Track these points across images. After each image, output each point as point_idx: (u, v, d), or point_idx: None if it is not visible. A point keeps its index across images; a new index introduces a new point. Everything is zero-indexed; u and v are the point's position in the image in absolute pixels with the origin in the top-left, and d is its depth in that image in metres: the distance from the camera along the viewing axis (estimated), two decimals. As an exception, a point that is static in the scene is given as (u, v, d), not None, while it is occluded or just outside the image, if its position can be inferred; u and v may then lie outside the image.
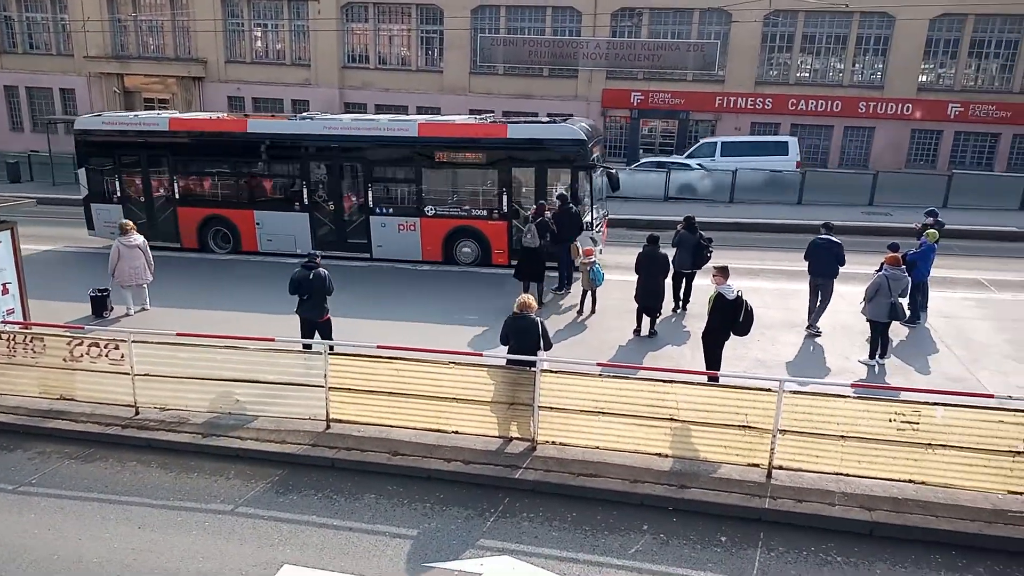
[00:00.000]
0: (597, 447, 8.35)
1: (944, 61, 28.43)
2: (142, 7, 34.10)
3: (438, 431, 8.68)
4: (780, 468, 7.93)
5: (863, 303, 11.23)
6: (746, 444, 7.98)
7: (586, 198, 15.67)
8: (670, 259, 12.55)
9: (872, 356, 11.21)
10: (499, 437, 8.61)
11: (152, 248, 13.62)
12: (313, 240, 17.08)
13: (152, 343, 9.34)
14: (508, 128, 16.07)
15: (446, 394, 8.53)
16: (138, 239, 13.37)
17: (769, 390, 7.87)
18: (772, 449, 7.87)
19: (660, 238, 12.49)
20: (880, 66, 28.77)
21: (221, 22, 32.89)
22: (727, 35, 29.23)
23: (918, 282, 12.47)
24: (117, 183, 18.02)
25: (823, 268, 12.33)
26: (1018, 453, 7.37)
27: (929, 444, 7.53)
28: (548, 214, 14.03)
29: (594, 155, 16.00)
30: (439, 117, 19.12)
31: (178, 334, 9.50)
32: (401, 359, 8.68)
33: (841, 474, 7.81)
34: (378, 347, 8.93)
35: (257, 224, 17.40)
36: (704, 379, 9.15)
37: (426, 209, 16.54)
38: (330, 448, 8.60)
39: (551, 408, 8.36)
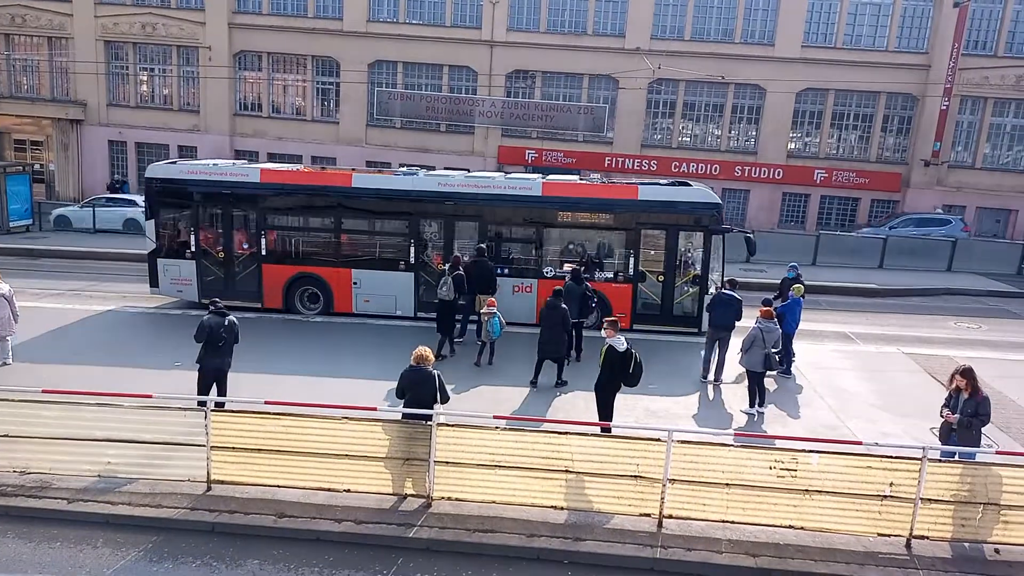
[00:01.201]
0: (493, 502, 8.26)
1: (810, 131, 30.91)
2: (16, 46, 32.33)
3: (329, 490, 8.36)
4: (670, 517, 8.10)
5: (740, 354, 11.81)
6: (638, 494, 8.12)
7: (715, 262, 15.66)
8: (568, 312, 12.77)
9: (751, 405, 11.74)
10: (393, 495, 8.38)
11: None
12: (416, 300, 16.27)
13: (13, 400, 8.58)
14: (639, 190, 15.98)
15: (339, 451, 8.26)
16: (3, 288, 12.37)
17: (659, 440, 8.08)
18: (662, 498, 8.04)
19: (563, 292, 12.85)
20: (753, 133, 30.94)
21: (104, 64, 31.58)
22: (615, 100, 30.72)
23: (787, 334, 13.28)
24: (192, 237, 16.57)
25: (725, 321, 13.01)
26: (885, 497, 7.85)
27: (806, 490, 7.91)
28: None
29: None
30: (561, 176, 18.37)
31: (43, 391, 8.78)
32: (290, 415, 8.35)
33: (727, 521, 8.05)
34: (266, 402, 8.57)
35: (354, 283, 16.28)
36: (598, 430, 9.30)
37: (545, 271, 16.04)
38: (210, 511, 8.09)
39: (447, 463, 8.24)
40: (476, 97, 31.10)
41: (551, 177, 17.38)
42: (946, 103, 28.46)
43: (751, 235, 16.40)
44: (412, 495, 8.38)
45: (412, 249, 16.16)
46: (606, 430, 9.54)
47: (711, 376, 13.14)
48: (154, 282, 16.90)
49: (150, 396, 8.80)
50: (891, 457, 7.95)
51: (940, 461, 8.03)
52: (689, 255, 16.11)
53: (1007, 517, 7.77)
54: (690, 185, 16.79)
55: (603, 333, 10.32)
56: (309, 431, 8.26)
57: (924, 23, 29.08)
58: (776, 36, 29.51)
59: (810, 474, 7.90)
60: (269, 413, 8.38)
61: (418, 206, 16.10)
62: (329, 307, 16.52)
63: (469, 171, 19.05)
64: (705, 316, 14.23)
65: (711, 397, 12.48)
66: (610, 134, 31.05)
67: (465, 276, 14.18)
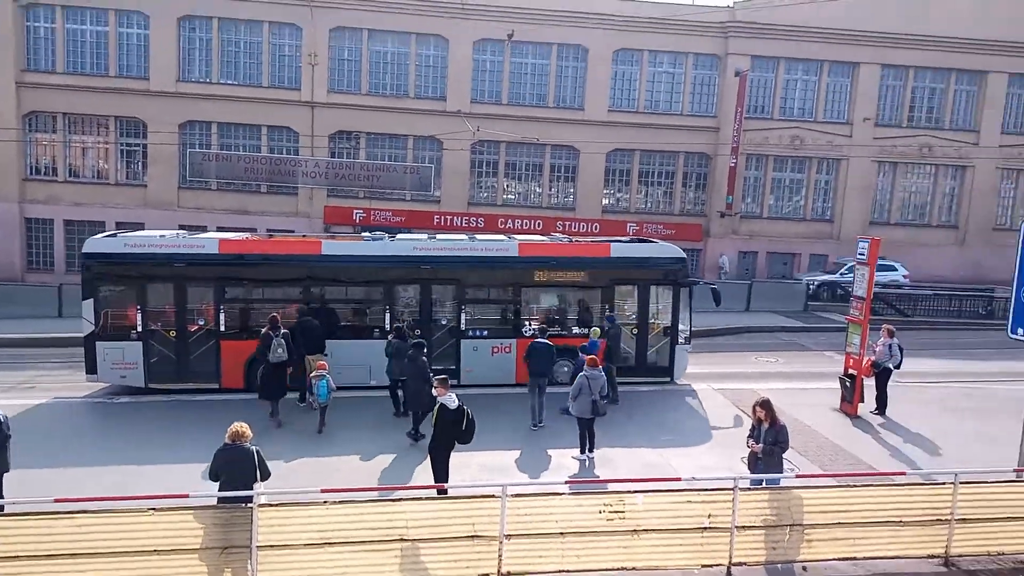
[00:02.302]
0: (324, 582, 7.76)
1: (621, 187, 33.15)
2: None
3: (134, 593, 7.46)
4: (509, 574, 8.01)
5: (570, 402, 12.13)
6: (475, 554, 7.97)
7: (684, 313, 16.44)
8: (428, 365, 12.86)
9: (582, 451, 12.05)
10: (212, 588, 7.63)
11: (184, 390, 12.03)
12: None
13: None
14: (611, 247, 16.62)
15: (144, 547, 7.41)
16: None
17: (493, 496, 8.02)
18: (500, 555, 7.95)
19: (424, 345, 13.25)
20: (572, 191, 32.67)
21: None
22: (440, 160, 31.32)
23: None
24: (138, 316, 14.91)
25: (542, 368, 13.49)
26: (705, 529, 8.26)
27: (634, 530, 8.15)
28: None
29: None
30: (531, 237, 18.47)
31: None
32: (85, 512, 7.42)
33: (564, 571, 8.09)
34: (56, 500, 7.57)
35: (326, 355, 14.64)
36: (433, 493, 9.09)
37: (524, 330, 15.95)
38: (-12, 635, 6.95)
39: (272, 547, 7.65)
40: (298, 158, 30.47)
41: (524, 238, 17.92)
42: (734, 161, 31.66)
43: (716, 287, 17.23)
44: (233, 586, 7.68)
45: (387, 316, 15.64)
46: (442, 491, 9.36)
47: (539, 421, 13.62)
48: (91, 368, 15.12)
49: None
50: (708, 489, 8.41)
51: (750, 489, 8.61)
52: (659, 308, 16.67)
53: (810, 535, 8.42)
54: (653, 242, 17.80)
55: (434, 392, 10.20)
56: (108, 529, 7.37)
57: (712, 90, 32.40)
58: (585, 102, 31.62)
59: (637, 514, 8.16)
60: (60, 513, 7.40)
61: (393, 272, 15.71)
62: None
63: (328, 232, 18.42)
64: (679, 365, 16.31)
65: (532, 448, 12.63)
66: (437, 192, 31.50)
67: (291, 336, 13.74)
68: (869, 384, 14.86)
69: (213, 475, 8.06)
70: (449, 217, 31.07)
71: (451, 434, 9.99)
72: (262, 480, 8.11)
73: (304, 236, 20.07)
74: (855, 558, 8.45)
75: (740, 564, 8.33)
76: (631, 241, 18.07)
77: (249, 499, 7.62)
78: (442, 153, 31.16)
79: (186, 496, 7.82)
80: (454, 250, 16.14)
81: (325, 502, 8.05)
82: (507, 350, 16.00)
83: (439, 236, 18.03)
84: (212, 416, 13.19)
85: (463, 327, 15.92)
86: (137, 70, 29.44)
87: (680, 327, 16.46)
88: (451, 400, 9.97)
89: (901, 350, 14.68)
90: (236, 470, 7.92)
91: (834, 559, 8.44)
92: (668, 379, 16.61)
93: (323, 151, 30.57)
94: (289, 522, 7.69)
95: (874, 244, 14.61)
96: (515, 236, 18.37)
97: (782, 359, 19.99)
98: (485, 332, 16.08)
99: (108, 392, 15.41)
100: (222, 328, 15.28)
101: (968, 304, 27.22)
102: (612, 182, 32.92)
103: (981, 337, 23.44)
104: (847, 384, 14.90)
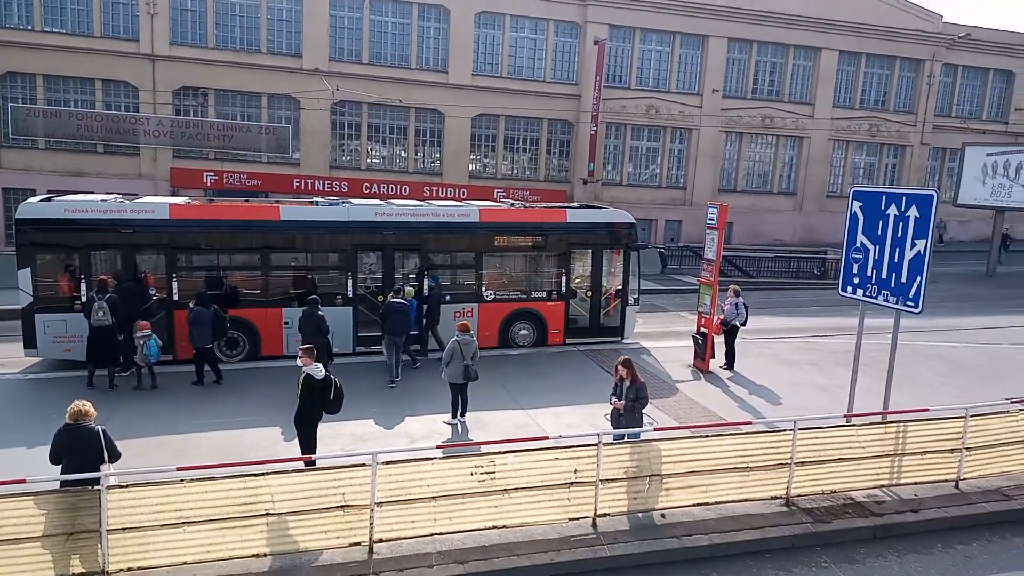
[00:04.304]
0: (184, 563, 7.42)
1: (487, 153, 33.24)
2: None
3: (-35, 590, 6.82)
4: (380, 541, 8.00)
5: (442, 367, 12.16)
6: (346, 524, 7.88)
7: (633, 276, 17.24)
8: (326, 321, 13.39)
9: (454, 416, 12.16)
10: (57, 578, 7.10)
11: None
12: (354, 335, 15.59)
13: None
14: (567, 213, 17.11)
15: (-25, 541, 6.77)
16: None
17: (364, 465, 7.94)
18: (371, 524, 7.91)
19: (319, 300, 13.73)
20: (438, 156, 32.38)
21: None
22: (298, 120, 30.02)
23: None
24: (83, 286, 13.97)
25: (397, 327, 13.96)
26: (572, 484, 8.60)
27: (504, 490, 8.35)
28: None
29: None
30: (487, 203, 18.61)
31: None
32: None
33: (436, 534, 8.18)
34: None
35: (285, 323, 15.01)
36: (300, 465, 8.87)
37: (485, 294, 16.30)
38: None
39: (123, 529, 7.21)
40: (139, 115, 28.22)
41: (482, 203, 18.18)
42: (594, 129, 32.56)
43: (663, 250, 17.96)
44: (80, 573, 7.18)
45: (350, 283, 15.47)
46: (309, 463, 9.15)
47: (396, 377, 14.15)
48: (30, 343, 14.23)
49: None
50: (574, 446, 8.74)
51: (612, 444, 9.03)
52: (611, 271, 17.37)
53: (667, 484, 8.97)
54: (601, 207, 18.52)
55: (298, 362, 9.90)
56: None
57: (572, 58, 33.01)
58: (449, 64, 31.28)
59: (507, 474, 8.34)
60: None
61: (355, 238, 15.57)
62: (255, 351, 15.24)
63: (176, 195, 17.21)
64: (628, 325, 17.38)
65: (403, 417, 12.64)
66: (296, 155, 30.26)
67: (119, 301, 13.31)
68: (719, 341, 15.92)
69: (54, 458, 7.44)
70: (310, 181, 29.97)
71: (318, 404, 9.77)
72: (111, 462, 7.58)
73: (257, 201, 19.55)
74: (707, 503, 9.10)
75: (605, 515, 8.75)
76: (580, 207, 18.81)
77: (96, 481, 7.11)
78: (300, 113, 29.89)
79: (23, 481, 7.17)
80: (418, 215, 16.18)
81: (182, 480, 7.64)
82: (469, 314, 16.22)
83: (396, 202, 18.15)
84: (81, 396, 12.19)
85: (425, 293, 15.87)
86: (-59, 10, 26.06)
87: (630, 288, 17.38)
88: (317, 370, 9.73)
89: (746, 308, 15.80)
90: (80, 452, 7.34)
91: (689, 505, 9.05)
92: (619, 338, 17.53)
93: (167, 109, 28.45)
94: (143, 503, 7.27)
95: (722, 210, 15.57)
96: (472, 202, 19.02)
97: (642, 319, 20.99)
98: (447, 297, 16.17)
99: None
100: (174, 297, 14.65)
101: (804, 266, 29.70)
102: (478, 147, 32.94)
103: (816, 295, 25.68)
104: (699, 342, 15.89)
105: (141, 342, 13.06)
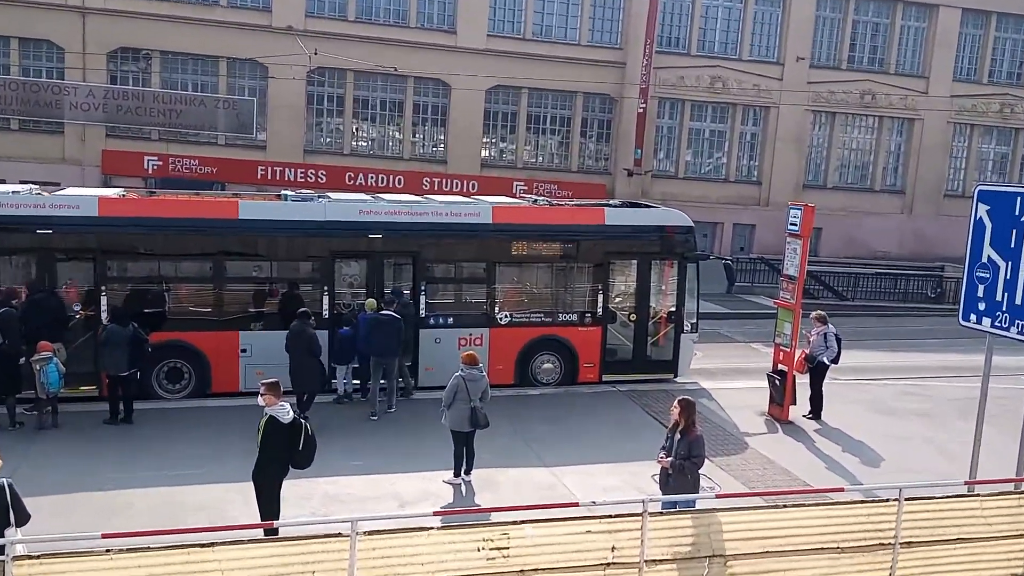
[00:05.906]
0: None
1: (505, 135, 33.41)
2: None
3: None
4: (360, 635, 7.98)
5: (443, 411, 12.15)
6: (314, 613, 7.87)
7: (690, 296, 17.08)
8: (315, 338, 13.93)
9: (456, 473, 12.14)
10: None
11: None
12: (331, 366, 15.33)
13: None
14: (606, 213, 16.78)
15: None
16: None
17: (339, 535, 7.94)
18: (347, 614, 7.90)
19: (309, 314, 14.23)
20: (442, 138, 32.59)
21: None
22: (265, 91, 30.35)
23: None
24: None
25: (386, 345, 14.35)
26: (608, 565, 8.53)
27: (522, 571, 8.30)
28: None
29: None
30: (503, 199, 18.76)
31: None
32: None
33: (432, 627, 8.15)
34: None
35: (243, 351, 15.03)
36: (260, 533, 8.89)
37: (498, 316, 16.21)
38: None
39: (32, 612, 7.25)
40: (64, 83, 28.67)
41: (496, 199, 18.07)
42: (643, 105, 32.61)
43: (730, 262, 17.76)
44: (-23, 670, 7.22)
45: (326, 299, 15.49)
46: (271, 531, 9.17)
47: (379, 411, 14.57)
48: None
49: None
50: (612, 517, 8.68)
51: (661, 514, 8.96)
52: (662, 288, 17.42)
53: (733, 568, 8.88)
54: (649, 206, 18.44)
55: (260, 400, 9.96)
56: None
57: (616, 15, 33.16)
58: (457, 23, 31.52)
59: (525, 551, 8.30)
60: None
61: (333, 242, 15.64)
62: (204, 386, 15.26)
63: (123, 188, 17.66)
64: (683, 358, 17.16)
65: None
66: (262, 136, 30.60)
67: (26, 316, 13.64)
68: (803, 382, 15.80)
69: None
70: (279, 169, 30.25)
71: (283, 455, 9.80)
72: (18, 525, 7.67)
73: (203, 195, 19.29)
74: (785, 594, 9.00)
75: (651, 607, 8.67)
76: (623, 205, 18.69)
77: (2, 550, 7.17)
78: (268, 83, 30.24)
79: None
80: (414, 214, 16.22)
81: (108, 550, 7.67)
82: (478, 342, 16.05)
83: (387, 198, 18.04)
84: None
85: (422, 314, 15.97)
86: None
87: (686, 312, 17.26)
88: (283, 412, 9.77)
89: (838, 340, 15.69)
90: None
91: (761, 596, 8.95)
92: (671, 375, 17.51)
93: (100, 76, 28.89)
94: (57, 579, 7.31)
95: (808, 212, 15.48)
96: (484, 198, 18.75)
97: (700, 352, 20.89)
98: (450, 320, 16.18)
99: None
100: (102, 316, 14.63)
101: (914, 285, 29.53)
102: (493, 128, 33.13)
103: (929, 325, 25.49)
104: (776, 383, 15.79)
105: (38, 367, 13.07)
